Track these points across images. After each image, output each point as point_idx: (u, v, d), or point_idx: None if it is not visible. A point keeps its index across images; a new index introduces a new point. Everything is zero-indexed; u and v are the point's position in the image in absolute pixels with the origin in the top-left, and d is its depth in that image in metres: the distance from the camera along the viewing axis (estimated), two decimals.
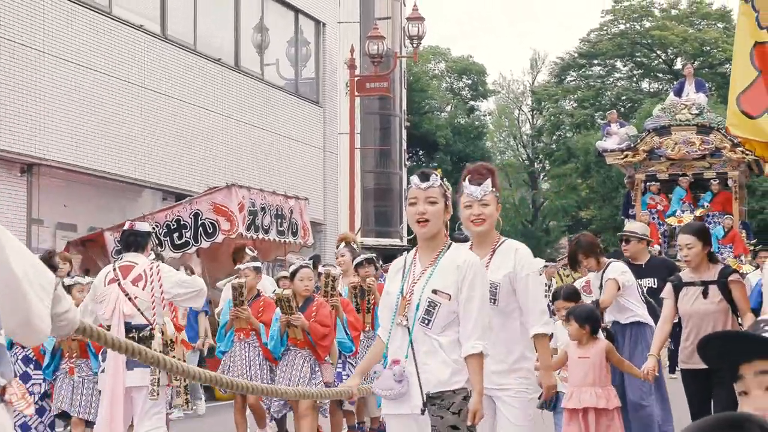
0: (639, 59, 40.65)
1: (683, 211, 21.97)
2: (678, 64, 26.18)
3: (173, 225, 15.26)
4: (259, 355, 9.57)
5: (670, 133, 22.04)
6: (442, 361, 4.25)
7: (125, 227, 8.47)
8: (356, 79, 22.14)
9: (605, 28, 40.88)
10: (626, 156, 22.36)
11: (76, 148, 16.66)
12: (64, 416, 9.13)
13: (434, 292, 4.28)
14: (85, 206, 17.74)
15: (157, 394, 7.70)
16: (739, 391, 2.06)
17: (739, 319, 6.73)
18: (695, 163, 22.14)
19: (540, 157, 43.46)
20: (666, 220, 22.06)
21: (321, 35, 24.04)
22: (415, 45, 22.67)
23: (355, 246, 10.82)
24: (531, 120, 44.32)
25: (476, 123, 42.55)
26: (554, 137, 41.68)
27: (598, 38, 41.12)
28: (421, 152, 37.41)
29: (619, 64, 41.25)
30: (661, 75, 37.44)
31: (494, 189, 5.06)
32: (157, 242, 14.31)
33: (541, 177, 43.23)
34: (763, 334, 2.00)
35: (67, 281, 9.43)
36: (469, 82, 43.52)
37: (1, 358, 2.71)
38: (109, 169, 17.45)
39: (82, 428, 8.80)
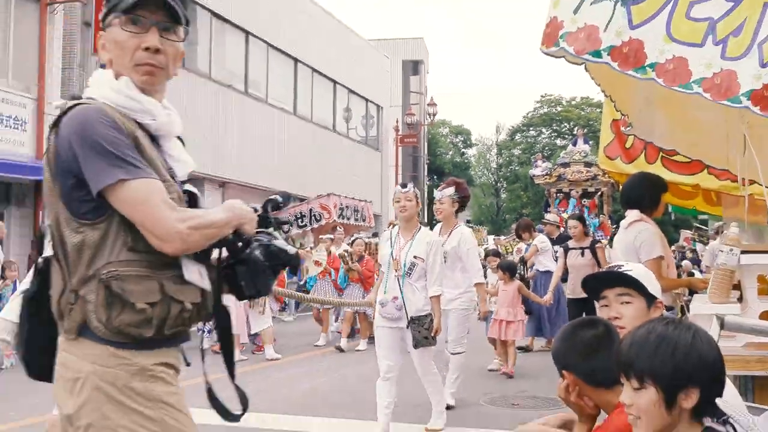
0: (555, 127, 61.38)
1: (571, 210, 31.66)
2: (575, 131, 38.71)
3: (298, 215, 20.00)
4: (331, 287, 13.19)
5: (569, 166, 30.29)
6: (419, 298, 6.17)
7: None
8: (399, 136, 32.75)
9: (536, 110, 62.34)
10: (546, 179, 30.37)
11: (248, 171, 23.30)
12: None
13: (415, 257, 6.18)
14: (250, 202, 27.13)
15: (252, 306, 10.93)
16: (602, 305, 2.81)
17: (600, 268, 9.02)
18: (583, 183, 30.01)
19: (501, 180, 62.93)
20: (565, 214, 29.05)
21: (380, 112, 34.75)
22: (431, 118, 33.26)
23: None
24: (496, 159, 64.49)
25: (466, 161, 62.22)
26: (509, 169, 61.44)
27: (532, 116, 62.42)
28: (435, 177, 52.83)
29: (544, 129, 61.59)
30: (566, 135, 55.01)
31: (453, 194, 7.50)
32: (289, 225, 19.63)
33: (501, 191, 62.28)
34: (619, 270, 2.81)
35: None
36: (462, 138, 63.21)
37: None
38: (263, 183, 23.47)
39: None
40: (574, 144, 33.05)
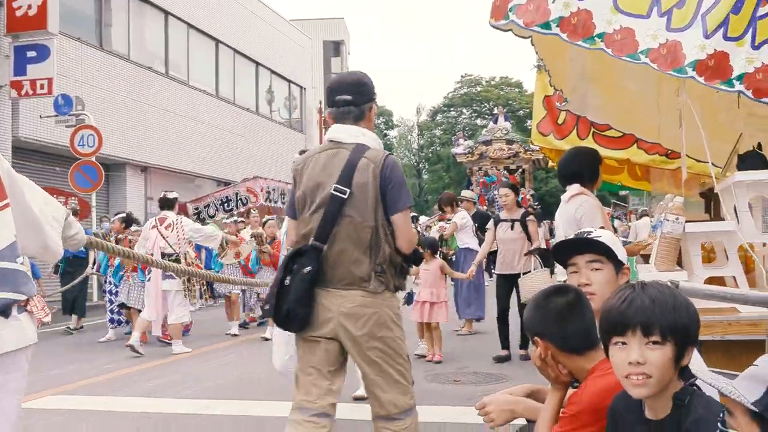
0: (475, 108, 62.59)
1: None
2: (495, 110, 39.55)
3: (224, 199, 21.03)
4: (239, 271, 12.79)
5: (491, 144, 32.19)
6: None
7: (161, 196, 10.87)
8: (322, 117, 32.49)
9: (456, 91, 63.50)
10: (468, 157, 32.39)
11: (170, 156, 22.89)
12: (124, 306, 11.93)
13: None
14: (175, 190, 19.09)
15: (186, 296, 10.44)
16: (571, 272, 2.84)
17: (531, 243, 8.92)
18: (505, 161, 31.92)
19: (423, 161, 63.83)
20: (488, 193, 30.67)
21: (302, 94, 34.71)
22: None
23: None
24: (417, 141, 65.59)
25: (388, 142, 62.28)
26: (430, 150, 62.47)
27: (453, 96, 63.46)
28: None
29: (464, 110, 62.75)
30: (487, 116, 55.77)
31: None
32: (215, 209, 20.70)
33: (423, 172, 62.98)
34: (592, 238, 2.80)
35: (134, 228, 12.29)
36: (384, 119, 63.64)
37: (25, 279, 2.79)
38: (186, 167, 23.62)
39: (136, 315, 11.09)
40: (495, 122, 34.52)
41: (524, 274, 8.50)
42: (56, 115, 17.33)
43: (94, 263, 13.12)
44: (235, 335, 12.07)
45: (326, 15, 56.02)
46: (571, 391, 2.55)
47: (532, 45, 4.57)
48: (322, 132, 32.76)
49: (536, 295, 2.67)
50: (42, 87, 16.32)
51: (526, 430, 2.74)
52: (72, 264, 13.20)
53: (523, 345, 8.88)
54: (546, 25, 3.79)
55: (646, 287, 2.13)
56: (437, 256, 9.48)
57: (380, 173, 3.73)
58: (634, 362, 2.05)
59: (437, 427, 5.95)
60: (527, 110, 56.93)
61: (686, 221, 4.10)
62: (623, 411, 2.22)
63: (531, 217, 9.15)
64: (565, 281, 2.92)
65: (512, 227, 9.01)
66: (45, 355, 10.25)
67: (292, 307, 3.68)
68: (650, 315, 2.05)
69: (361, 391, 6.31)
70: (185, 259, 10.40)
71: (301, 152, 4.95)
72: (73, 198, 17.18)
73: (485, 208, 27.47)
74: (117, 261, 12.11)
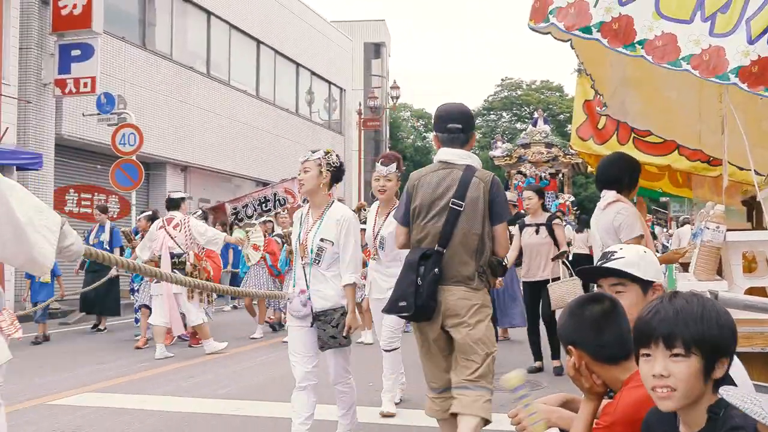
0: (515, 111, 61.91)
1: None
2: (535, 114, 39.04)
3: (262, 199, 17.53)
4: (265, 273, 12.45)
5: (530, 147, 31.23)
6: (328, 288, 5.04)
7: (167, 196, 10.93)
8: (362, 119, 32.46)
9: (497, 94, 63.02)
10: (506, 160, 31.57)
11: (210, 155, 23.25)
12: (146, 306, 11.38)
13: (322, 239, 5.03)
14: (214, 189, 23.65)
15: (192, 297, 10.16)
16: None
17: (558, 248, 8.54)
18: (544, 165, 30.84)
19: None
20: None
21: (342, 95, 34.87)
22: (394, 102, 33.08)
23: (363, 210, 11.45)
24: None
25: (427, 145, 61.23)
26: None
27: (493, 99, 63.12)
28: None
29: (504, 113, 62.20)
30: (527, 119, 54.84)
31: (397, 170, 6.39)
32: (252, 209, 18.34)
33: None
34: (609, 264, 2.80)
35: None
36: (423, 122, 62.48)
37: None
38: (225, 167, 23.98)
39: (148, 314, 10.95)
40: (534, 124, 33.53)
41: (554, 280, 8.32)
42: (99, 114, 17.57)
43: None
44: (257, 338, 11.88)
45: (367, 17, 56.14)
46: (605, 401, 2.51)
47: (572, 48, 4.51)
48: (361, 133, 32.94)
49: (571, 302, 2.63)
50: (85, 85, 16.55)
51: None
52: (97, 262, 12.80)
53: (555, 355, 8.59)
54: (587, 30, 3.73)
55: (674, 298, 2.08)
56: None
57: (489, 190, 4.56)
58: (658, 375, 2.01)
59: None
60: (567, 114, 56.57)
61: (727, 230, 4.03)
62: (657, 424, 2.17)
63: (557, 220, 8.80)
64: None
65: (537, 231, 8.68)
66: (75, 353, 10.41)
67: (425, 303, 4.43)
68: (673, 326, 2.00)
69: (388, 409, 6.58)
70: (190, 259, 10.24)
71: (314, 151, 5.26)
72: (113, 196, 17.38)
73: (522, 211, 27.42)
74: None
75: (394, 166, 6.36)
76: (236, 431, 6.23)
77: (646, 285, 2.78)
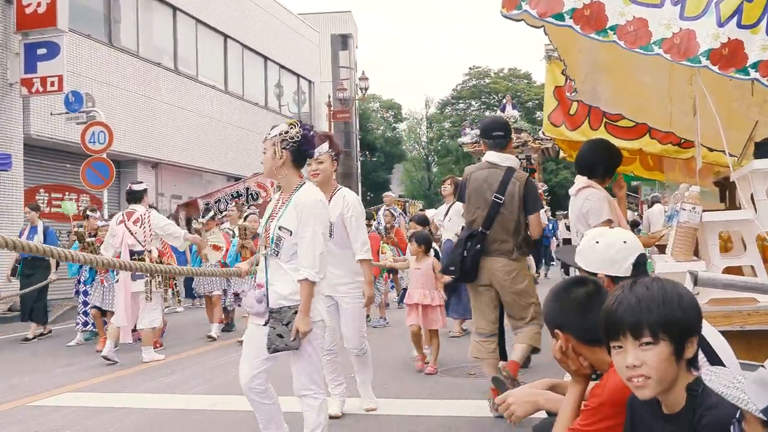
0: (483, 99, 61.70)
1: None
2: (503, 100, 38.78)
3: (234, 194, 20.90)
4: (217, 268, 11.01)
5: None
6: (286, 283, 4.40)
7: (128, 187, 10.02)
8: (332, 111, 32.63)
9: (465, 83, 62.64)
10: (475, 146, 30.65)
11: (181, 151, 22.89)
12: (97, 308, 10.92)
13: (280, 228, 4.43)
14: (186, 185, 23.42)
15: (151, 299, 9.38)
16: None
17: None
18: (513, 150, 34.03)
19: (432, 153, 63.39)
20: None
21: (311, 88, 34.82)
22: (363, 93, 33.38)
23: None
24: (426, 133, 65.02)
25: (397, 136, 62.00)
26: (439, 142, 61.85)
27: (461, 88, 62.88)
28: (366, 152, 53.64)
29: (473, 102, 62.14)
30: (495, 107, 55.31)
31: (330, 150, 5.79)
32: (225, 204, 20.24)
33: (433, 165, 62.37)
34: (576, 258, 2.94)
35: (100, 224, 11.40)
36: (393, 113, 62.85)
37: None
38: (196, 163, 23.67)
39: (99, 316, 10.79)
40: (503, 110, 33.48)
41: None
42: (67, 113, 17.34)
43: (58, 265, 12.28)
44: (214, 338, 11.30)
45: (333, 9, 55.95)
46: (592, 383, 2.54)
47: (546, 34, 4.55)
48: (331, 125, 32.76)
49: (555, 286, 2.65)
50: (52, 84, 16.35)
51: (548, 425, 2.72)
52: (30, 266, 12.26)
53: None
54: (559, 16, 3.76)
55: (634, 286, 2.10)
56: (431, 253, 8.39)
57: (524, 188, 5.95)
58: (631, 365, 2.03)
59: (453, 421, 5.95)
60: (536, 102, 56.62)
61: (703, 210, 4.08)
62: (640, 405, 2.20)
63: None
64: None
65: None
66: (28, 360, 10.18)
67: (468, 270, 5.90)
68: (637, 315, 2.03)
69: (369, 404, 6.49)
70: (152, 256, 9.49)
71: (273, 127, 4.78)
72: (84, 195, 17.21)
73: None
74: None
75: (325, 146, 5.79)
76: (219, 426, 6.21)
77: (592, 275, 2.81)
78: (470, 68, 63.33)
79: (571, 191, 5.43)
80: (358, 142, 39.92)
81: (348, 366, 6.53)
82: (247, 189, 21.22)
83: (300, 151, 4.52)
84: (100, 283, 10.86)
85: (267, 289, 4.50)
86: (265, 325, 4.45)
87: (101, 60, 19.79)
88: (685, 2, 3.79)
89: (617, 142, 7.63)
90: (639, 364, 2.02)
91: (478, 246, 5.86)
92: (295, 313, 4.33)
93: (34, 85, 16.41)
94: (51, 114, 17.52)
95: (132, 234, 9.45)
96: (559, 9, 3.75)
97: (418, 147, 65.84)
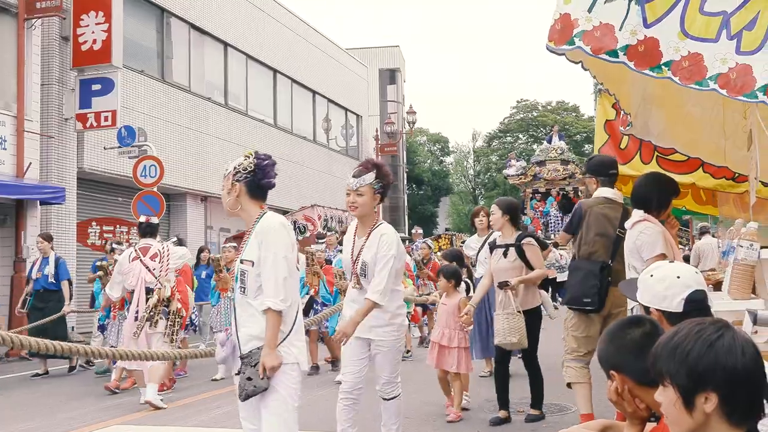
0: (531, 132, 61.84)
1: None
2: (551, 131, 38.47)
3: None
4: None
5: (545, 165, 31.13)
6: (256, 322, 3.98)
7: (142, 221, 9.38)
8: (379, 145, 32.82)
9: (512, 116, 62.88)
10: (521, 179, 31.62)
11: (221, 181, 26.48)
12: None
13: (242, 261, 4.08)
14: (235, 219, 26.63)
15: (169, 340, 8.75)
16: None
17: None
18: (560, 182, 30.89)
19: (479, 187, 63.89)
20: (543, 216, 30.59)
21: (359, 122, 34.99)
22: (411, 127, 33.01)
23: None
24: (473, 167, 65.29)
25: (444, 169, 62.07)
26: (486, 176, 62.37)
27: (509, 121, 63.14)
28: (413, 185, 53.88)
29: (521, 135, 62.30)
30: (542, 140, 55.64)
31: (376, 181, 5.20)
32: None
33: (480, 198, 62.39)
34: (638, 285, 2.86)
35: (116, 257, 10.12)
36: (440, 146, 63.30)
37: None
38: None
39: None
40: (549, 141, 33.26)
41: (528, 312, 6.86)
42: (119, 147, 17.67)
43: (71, 297, 11.88)
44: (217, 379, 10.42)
45: (382, 43, 56.35)
46: (649, 426, 2.48)
47: (585, 69, 4.50)
48: (378, 159, 32.81)
49: (610, 326, 2.59)
50: (106, 119, 16.72)
51: None
52: (42, 298, 11.74)
53: (535, 403, 7.20)
54: (613, 53, 3.74)
55: (672, 329, 2.10)
56: (461, 289, 7.75)
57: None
58: (658, 401, 2.07)
59: None
60: (584, 134, 56.38)
61: (761, 247, 4.00)
62: None
63: (529, 239, 7.07)
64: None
65: (506, 254, 7.06)
66: (41, 398, 10.01)
67: (602, 300, 6.03)
68: (654, 357, 2.08)
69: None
70: (166, 293, 8.82)
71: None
72: (135, 227, 17.43)
73: (540, 232, 27.14)
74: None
75: (368, 176, 5.24)
76: None
77: (646, 308, 2.77)
78: (518, 101, 63.61)
79: (627, 225, 5.38)
80: (405, 175, 40.24)
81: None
82: (294, 222, 21.50)
83: (254, 181, 4.23)
84: (113, 320, 10.40)
85: (236, 332, 4.10)
86: (237, 374, 4.05)
87: (153, 95, 20.19)
88: (742, 37, 3.74)
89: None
90: (660, 401, 2.05)
91: (609, 278, 6.02)
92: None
93: (89, 120, 16.80)
94: (104, 148, 17.88)
95: (150, 270, 8.83)
96: (613, 46, 3.73)
97: (464, 180, 65.92)
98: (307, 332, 10.78)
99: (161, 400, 8.62)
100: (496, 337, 6.85)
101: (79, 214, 17.49)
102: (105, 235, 18.41)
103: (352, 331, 5.10)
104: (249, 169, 4.20)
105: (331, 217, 27.08)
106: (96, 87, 16.81)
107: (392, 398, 5.51)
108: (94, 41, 16.64)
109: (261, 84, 26.48)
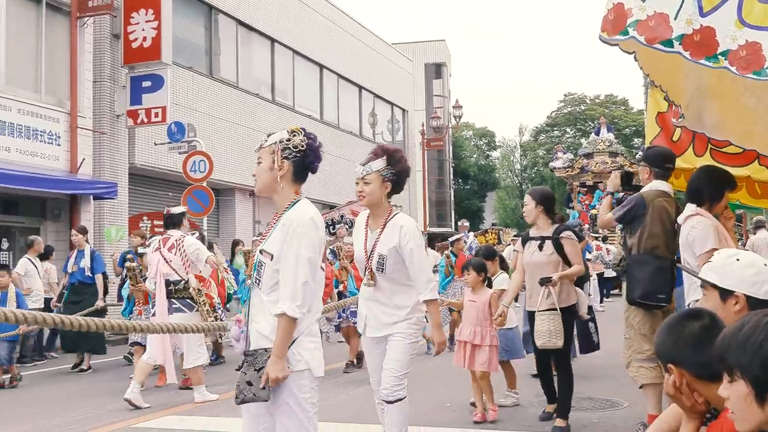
0: (579, 126, 60.91)
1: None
2: (598, 122, 37.55)
3: (329, 222, 18.40)
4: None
5: (593, 157, 30.46)
6: (266, 319, 3.59)
7: (165, 212, 9.13)
8: (425, 140, 32.64)
9: (560, 110, 62.37)
10: (568, 171, 31.00)
11: None
12: (137, 344, 9.87)
13: (261, 252, 3.67)
14: None
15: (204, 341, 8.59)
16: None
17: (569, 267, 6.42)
18: (608, 175, 32.40)
19: (526, 181, 63.06)
20: (590, 210, 29.13)
21: (405, 116, 35.10)
22: (457, 121, 32.92)
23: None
24: (520, 161, 64.74)
25: (490, 164, 61.51)
26: (533, 170, 61.57)
27: (556, 115, 62.49)
28: (460, 180, 53.63)
29: (568, 129, 61.45)
30: (590, 134, 55.04)
31: (386, 168, 4.77)
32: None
33: (526, 193, 63.51)
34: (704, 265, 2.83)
35: (141, 250, 10.40)
36: (486, 141, 62.91)
37: None
38: None
39: (141, 352, 9.21)
40: (597, 133, 32.61)
41: (564, 310, 6.39)
42: (169, 142, 17.93)
43: (106, 291, 11.88)
44: None
45: (427, 38, 56.29)
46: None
47: (636, 60, 4.44)
48: (425, 153, 32.95)
49: (668, 319, 2.54)
50: (156, 115, 16.99)
51: None
52: (77, 291, 11.72)
53: (562, 413, 6.53)
54: (668, 43, 3.69)
55: (737, 322, 2.07)
56: (485, 283, 7.27)
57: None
58: (722, 396, 2.05)
59: None
60: (634, 128, 55.58)
61: None
62: None
63: (568, 233, 6.56)
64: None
65: (541, 247, 6.55)
66: (73, 394, 9.84)
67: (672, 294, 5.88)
68: (720, 350, 2.04)
69: None
70: (192, 284, 8.53)
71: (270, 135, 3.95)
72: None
73: (587, 226, 26.27)
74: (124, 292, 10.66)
75: (375, 164, 4.84)
76: None
77: (724, 293, 2.71)
78: (565, 95, 63.07)
79: (680, 219, 5.32)
80: (451, 170, 40.14)
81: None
82: (342, 216, 21.17)
83: (304, 163, 3.80)
84: (138, 315, 10.01)
85: (247, 326, 3.73)
86: (237, 370, 3.68)
87: (202, 91, 20.44)
88: None
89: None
90: (726, 396, 2.02)
91: (675, 272, 5.85)
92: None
93: (139, 117, 17.08)
94: (155, 144, 18.16)
95: (167, 262, 8.49)
96: (668, 35, 3.68)
97: (511, 175, 65.56)
98: (337, 328, 10.71)
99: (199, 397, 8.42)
100: (539, 339, 6.32)
101: (131, 209, 17.80)
102: (156, 229, 18.60)
103: (442, 336, 4.99)
104: (300, 147, 3.75)
105: None
106: (146, 84, 17.07)
107: (396, 401, 4.83)
108: (144, 39, 16.90)
109: (307, 79, 26.67)
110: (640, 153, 7.19)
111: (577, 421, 6.74)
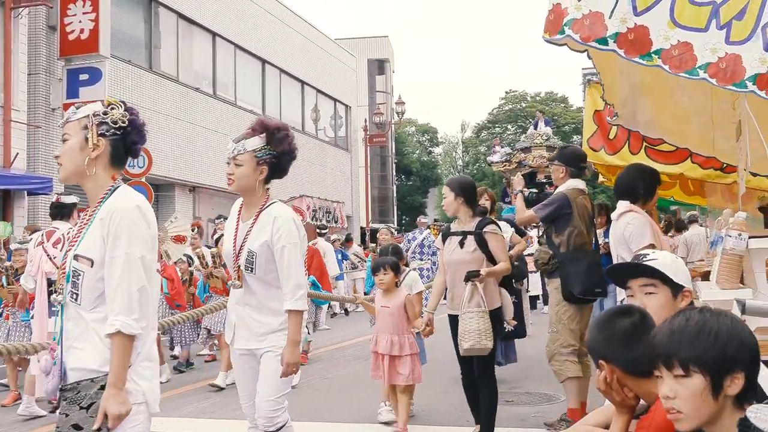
0: (520, 123, 61.46)
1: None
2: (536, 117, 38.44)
3: None
4: (162, 302, 9.48)
5: (530, 151, 28.36)
6: (91, 344, 2.80)
7: (53, 200, 7.80)
8: (368, 136, 32.71)
9: (501, 107, 63.27)
10: (505, 165, 28.73)
11: (218, 175, 26.36)
12: None
13: (76, 258, 2.86)
14: (224, 209, 20.89)
15: None
16: (628, 296, 2.78)
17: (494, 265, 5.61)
18: (546, 170, 26.33)
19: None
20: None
21: (348, 112, 35.13)
22: (399, 117, 32.92)
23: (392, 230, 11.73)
24: (462, 157, 65.58)
25: (432, 160, 62.44)
26: (475, 166, 61.95)
27: (498, 112, 63.58)
28: (402, 176, 53.94)
29: (509, 126, 62.28)
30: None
31: (257, 148, 4.00)
32: None
33: None
34: (645, 262, 2.72)
35: (13, 246, 9.09)
36: (428, 137, 63.30)
37: None
38: (225, 185, 27.63)
39: (14, 363, 8.08)
40: (535, 126, 32.11)
41: (492, 312, 5.58)
42: None
43: None
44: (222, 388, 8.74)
45: (371, 34, 56.30)
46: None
47: (589, 58, 4.52)
48: (367, 149, 32.97)
49: (599, 316, 2.58)
50: None
51: None
52: None
53: (480, 421, 5.79)
54: (603, 41, 3.74)
55: (676, 317, 2.08)
56: (398, 284, 6.56)
57: None
58: (664, 396, 2.01)
59: None
60: (573, 125, 56.41)
61: (749, 237, 4.00)
62: None
63: (492, 227, 5.74)
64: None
65: (462, 244, 5.72)
66: None
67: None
68: (668, 347, 2.01)
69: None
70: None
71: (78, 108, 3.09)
72: None
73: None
74: None
75: (249, 142, 4.08)
76: None
77: (676, 289, 2.75)
78: (506, 92, 63.82)
79: (613, 216, 5.39)
80: (394, 166, 40.19)
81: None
82: None
83: (124, 143, 3.02)
84: (4, 320, 8.45)
85: (61, 355, 2.90)
86: (52, 412, 2.99)
87: (141, 85, 20.10)
88: (731, 26, 3.75)
89: (658, 167, 7.54)
90: (672, 395, 1.99)
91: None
92: (102, 388, 2.77)
93: None
94: None
95: (51, 259, 7.33)
96: (603, 33, 3.73)
97: (453, 171, 66.09)
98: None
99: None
100: (467, 341, 5.44)
101: None
102: None
103: (295, 356, 3.93)
104: (121, 124, 2.98)
105: (320, 208, 27.49)
106: (83, 77, 16.71)
107: (278, 430, 4.01)
108: (82, 30, 16.55)
109: (249, 74, 26.50)
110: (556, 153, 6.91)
111: (515, 415, 6.81)
